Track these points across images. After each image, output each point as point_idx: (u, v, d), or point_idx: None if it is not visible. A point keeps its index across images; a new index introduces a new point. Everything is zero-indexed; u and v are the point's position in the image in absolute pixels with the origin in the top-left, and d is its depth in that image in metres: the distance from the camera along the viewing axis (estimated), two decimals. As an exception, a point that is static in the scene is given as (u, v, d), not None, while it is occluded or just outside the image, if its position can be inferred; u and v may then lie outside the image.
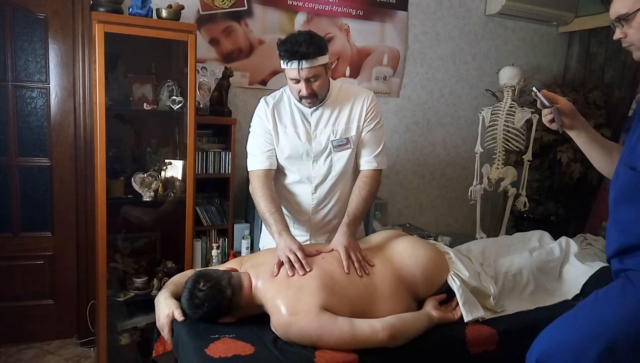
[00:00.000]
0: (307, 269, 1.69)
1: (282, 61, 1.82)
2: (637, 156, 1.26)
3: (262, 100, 2.02)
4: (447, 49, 3.67)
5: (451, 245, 2.16)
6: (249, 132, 2.03)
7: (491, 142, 3.17)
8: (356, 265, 1.75)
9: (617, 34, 1.32)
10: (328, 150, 1.97)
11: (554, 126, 1.46)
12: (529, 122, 3.07)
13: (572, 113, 1.46)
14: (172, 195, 2.64)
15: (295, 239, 1.80)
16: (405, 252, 1.86)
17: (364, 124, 1.98)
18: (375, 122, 2.00)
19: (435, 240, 2.78)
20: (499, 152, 3.13)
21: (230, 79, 2.85)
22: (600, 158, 1.51)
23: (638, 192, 1.26)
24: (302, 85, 1.82)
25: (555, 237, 2.25)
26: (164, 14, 2.48)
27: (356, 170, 2.06)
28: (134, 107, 2.57)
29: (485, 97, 3.78)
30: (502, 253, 2.09)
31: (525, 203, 3.18)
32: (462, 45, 3.72)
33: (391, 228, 2.99)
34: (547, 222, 3.70)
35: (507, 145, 3.10)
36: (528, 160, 3.16)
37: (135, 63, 2.63)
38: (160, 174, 2.61)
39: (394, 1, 3.40)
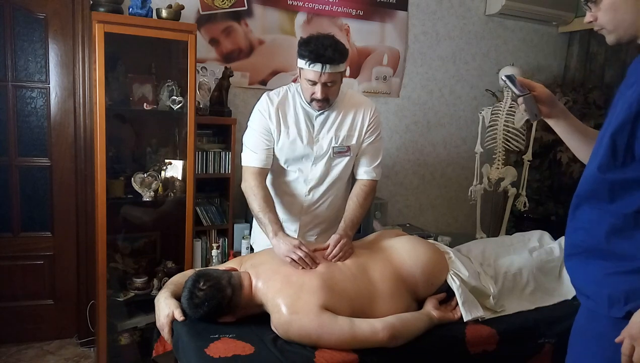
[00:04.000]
0: (317, 262, 1.72)
1: (303, 61, 1.81)
2: (594, 155, 1.24)
3: (265, 96, 2.00)
4: (447, 49, 3.67)
5: (451, 245, 2.16)
6: (247, 126, 2.01)
7: (491, 142, 3.17)
8: (335, 251, 1.77)
9: (587, 17, 1.29)
10: (328, 155, 1.98)
11: (527, 115, 1.43)
12: (529, 122, 3.07)
13: (550, 100, 1.43)
14: (172, 195, 2.64)
15: (293, 237, 1.81)
16: (405, 252, 1.86)
17: (365, 135, 2.00)
18: (376, 134, 2.02)
19: (436, 240, 2.78)
20: (499, 152, 3.13)
21: (230, 79, 2.85)
22: (581, 146, 1.45)
23: (599, 192, 1.22)
24: (317, 88, 1.82)
25: (555, 237, 2.24)
26: (164, 14, 2.48)
27: (350, 178, 2.08)
28: (134, 107, 2.56)
29: (485, 97, 3.78)
30: (502, 253, 2.09)
31: (525, 203, 3.18)
32: (462, 45, 3.72)
33: (391, 228, 2.99)
34: (547, 222, 3.70)
35: (507, 145, 3.10)
36: (528, 160, 3.16)
37: (135, 63, 2.63)
38: (160, 174, 2.61)
39: (394, 1, 3.40)
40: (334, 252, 1.77)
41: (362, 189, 2.01)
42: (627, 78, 1.25)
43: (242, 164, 2.00)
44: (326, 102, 1.88)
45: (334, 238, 1.81)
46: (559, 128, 1.47)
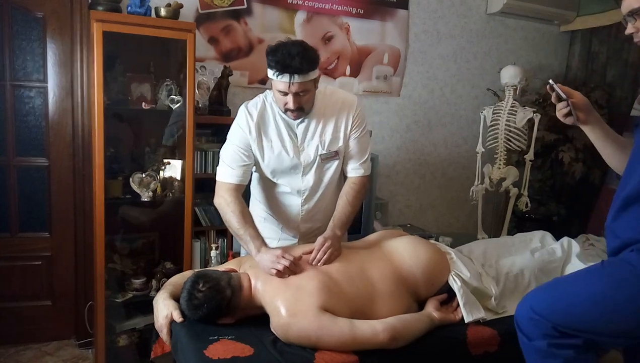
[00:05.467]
0: (302, 268, 1.70)
1: (271, 71, 1.73)
2: None
3: (243, 110, 1.91)
4: (448, 48, 3.66)
5: (452, 246, 2.15)
6: (227, 138, 1.94)
7: (492, 141, 3.16)
8: (319, 255, 1.73)
9: (629, 29, 1.31)
10: (317, 163, 1.92)
11: (568, 120, 1.44)
12: (530, 122, 3.05)
13: (587, 108, 1.44)
14: (170, 195, 2.63)
15: (275, 248, 1.77)
16: (405, 252, 1.85)
17: (350, 133, 1.94)
18: (360, 129, 1.96)
19: (437, 240, 2.76)
20: (501, 151, 3.12)
21: (230, 78, 2.83)
22: (614, 154, 1.48)
23: None
24: (289, 99, 1.75)
25: (557, 238, 2.23)
26: (162, 12, 2.46)
27: (342, 177, 2.04)
28: (132, 106, 2.55)
29: (487, 97, 3.77)
30: (503, 253, 2.08)
31: (527, 204, 3.17)
32: (463, 44, 3.70)
33: (392, 228, 2.98)
34: (548, 222, 3.69)
35: (508, 144, 3.08)
36: (530, 160, 3.15)
37: (134, 62, 2.61)
38: (158, 174, 2.60)
39: None
40: (318, 256, 1.73)
41: (352, 187, 1.96)
42: None
43: (217, 179, 1.91)
44: (301, 111, 1.80)
45: (319, 241, 1.77)
46: (594, 135, 1.49)
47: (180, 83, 2.56)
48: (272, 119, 1.90)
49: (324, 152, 1.91)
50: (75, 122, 2.78)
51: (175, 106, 2.53)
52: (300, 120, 1.87)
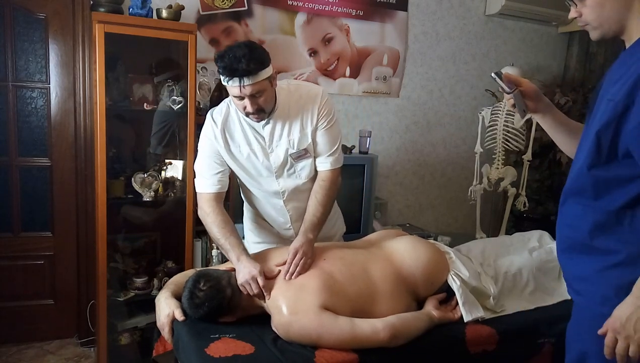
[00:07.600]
0: (268, 296, 1.66)
1: (222, 77, 1.69)
2: (581, 152, 1.23)
3: (209, 118, 1.89)
4: (447, 49, 3.68)
5: (451, 245, 2.16)
6: (197, 150, 1.93)
7: (491, 142, 3.17)
8: (291, 268, 1.69)
9: (572, 13, 1.27)
10: (289, 163, 1.89)
11: (515, 111, 1.41)
12: (528, 122, 3.08)
13: (536, 95, 1.41)
14: (172, 195, 2.65)
15: (255, 262, 1.71)
16: (405, 252, 1.86)
17: (316, 125, 1.87)
18: (326, 121, 1.88)
19: (435, 240, 2.78)
20: (499, 152, 3.14)
21: (230, 79, 2.84)
22: (567, 141, 1.45)
23: (585, 188, 1.23)
24: (246, 102, 1.69)
25: (555, 237, 2.25)
26: (164, 14, 2.48)
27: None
28: (134, 107, 2.57)
29: (485, 97, 3.79)
30: (501, 253, 2.10)
31: (525, 203, 3.19)
32: (462, 46, 3.72)
33: (391, 228, 2.99)
34: (546, 221, 3.70)
35: (506, 145, 3.10)
36: (528, 160, 3.17)
37: (136, 63, 2.63)
38: (160, 174, 2.61)
39: (394, 1, 3.40)
40: (290, 270, 1.69)
41: (321, 186, 1.90)
42: (611, 74, 1.24)
43: (196, 191, 1.90)
44: (262, 113, 1.75)
45: (291, 252, 1.72)
46: (545, 123, 1.47)
47: (182, 84, 2.57)
48: (237, 124, 1.86)
49: (294, 151, 1.87)
50: (78, 123, 2.79)
51: (176, 107, 2.55)
52: (265, 121, 1.82)
